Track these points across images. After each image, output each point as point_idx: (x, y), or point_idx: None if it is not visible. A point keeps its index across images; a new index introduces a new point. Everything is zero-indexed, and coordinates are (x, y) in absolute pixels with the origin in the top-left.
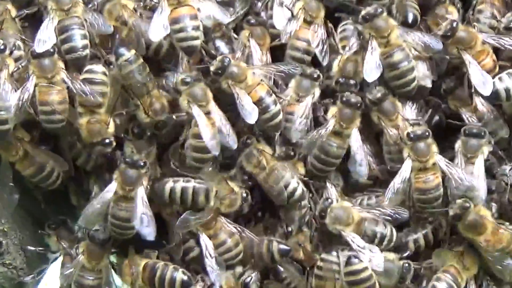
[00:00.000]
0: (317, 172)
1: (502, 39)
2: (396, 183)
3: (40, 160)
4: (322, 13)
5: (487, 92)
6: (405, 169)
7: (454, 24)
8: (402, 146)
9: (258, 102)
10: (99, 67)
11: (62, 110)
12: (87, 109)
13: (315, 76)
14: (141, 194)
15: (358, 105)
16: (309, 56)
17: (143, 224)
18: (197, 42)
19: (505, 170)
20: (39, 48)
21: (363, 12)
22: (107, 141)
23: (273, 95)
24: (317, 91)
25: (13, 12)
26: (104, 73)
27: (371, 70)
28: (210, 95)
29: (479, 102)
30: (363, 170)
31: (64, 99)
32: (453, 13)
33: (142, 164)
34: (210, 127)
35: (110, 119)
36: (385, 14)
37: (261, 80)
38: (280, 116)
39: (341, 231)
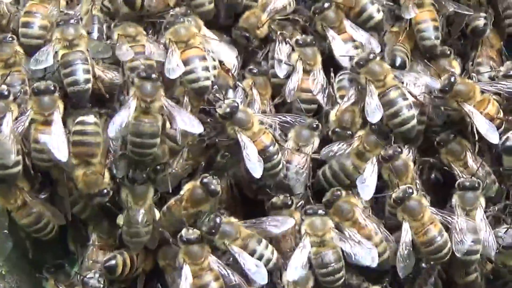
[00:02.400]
0: (327, 185)
1: (500, 84)
2: (402, 251)
3: (37, 211)
4: (319, 59)
5: (496, 140)
6: (405, 234)
7: (452, 79)
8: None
9: (262, 151)
10: (90, 118)
11: (59, 147)
12: (82, 160)
13: (314, 126)
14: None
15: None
16: (315, 105)
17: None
18: (208, 83)
19: (498, 232)
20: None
21: (356, 59)
22: (104, 191)
23: (276, 144)
24: (316, 141)
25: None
26: (96, 124)
27: (373, 111)
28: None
29: (470, 159)
30: (368, 191)
31: None
32: (456, 68)
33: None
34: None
35: (105, 169)
36: (378, 58)
37: (266, 128)
38: (281, 166)
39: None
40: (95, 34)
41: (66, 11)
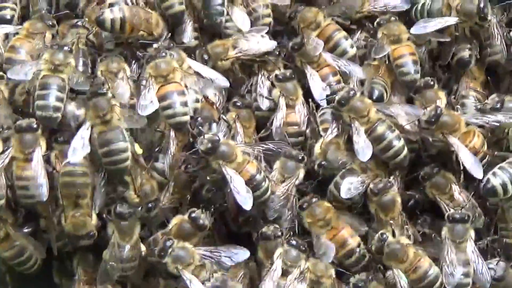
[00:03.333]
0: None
1: (485, 117)
2: None
3: (20, 244)
4: (300, 92)
5: (480, 175)
6: (399, 280)
7: (438, 110)
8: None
9: (249, 181)
10: (80, 163)
11: (38, 186)
12: (70, 201)
13: (300, 158)
14: None
15: None
16: (302, 137)
17: None
18: (186, 118)
19: (490, 264)
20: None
21: (337, 97)
22: (91, 233)
23: (263, 172)
24: (301, 173)
25: (6, 93)
26: (84, 165)
27: (363, 149)
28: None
29: (456, 191)
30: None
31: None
32: (442, 98)
33: None
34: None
35: (93, 211)
36: (358, 94)
37: (250, 157)
38: (269, 193)
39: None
40: (80, 67)
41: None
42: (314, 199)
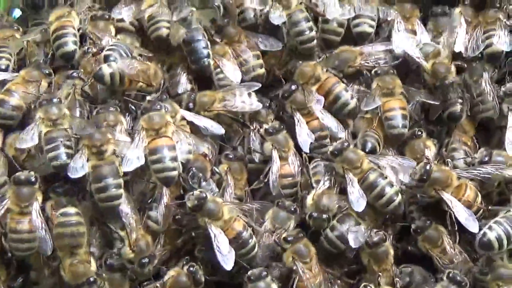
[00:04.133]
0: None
1: (476, 169)
2: None
3: None
4: (291, 143)
5: (475, 229)
6: None
7: (428, 167)
8: None
9: (235, 239)
10: (72, 209)
11: (31, 239)
12: (67, 252)
13: (292, 209)
14: None
15: None
16: (296, 188)
17: None
18: (174, 173)
19: None
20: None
21: (331, 148)
22: (91, 279)
23: (249, 229)
24: (292, 224)
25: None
26: (78, 213)
27: (357, 200)
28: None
29: (447, 244)
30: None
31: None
32: (431, 147)
33: None
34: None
35: (91, 256)
36: (352, 146)
37: (237, 215)
38: (256, 249)
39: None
40: None
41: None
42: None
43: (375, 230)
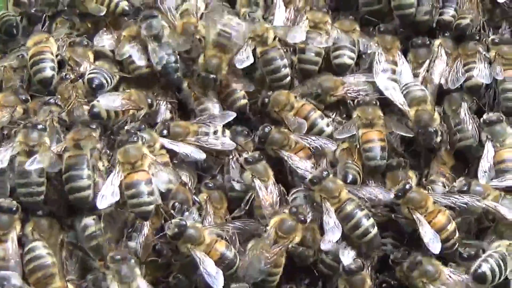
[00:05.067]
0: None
1: (453, 197)
2: None
3: None
4: (271, 173)
5: (436, 250)
6: None
7: (407, 186)
8: None
9: (220, 260)
10: (37, 243)
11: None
12: (41, 285)
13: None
14: None
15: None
16: None
17: None
18: (151, 208)
19: None
20: None
21: (310, 176)
22: None
23: (233, 248)
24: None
25: None
26: (45, 246)
27: (333, 230)
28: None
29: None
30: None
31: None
32: (412, 178)
33: None
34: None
35: (67, 283)
36: (331, 175)
37: (218, 237)
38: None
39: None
40: (54, 146)
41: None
42: None
43: (354, 258)
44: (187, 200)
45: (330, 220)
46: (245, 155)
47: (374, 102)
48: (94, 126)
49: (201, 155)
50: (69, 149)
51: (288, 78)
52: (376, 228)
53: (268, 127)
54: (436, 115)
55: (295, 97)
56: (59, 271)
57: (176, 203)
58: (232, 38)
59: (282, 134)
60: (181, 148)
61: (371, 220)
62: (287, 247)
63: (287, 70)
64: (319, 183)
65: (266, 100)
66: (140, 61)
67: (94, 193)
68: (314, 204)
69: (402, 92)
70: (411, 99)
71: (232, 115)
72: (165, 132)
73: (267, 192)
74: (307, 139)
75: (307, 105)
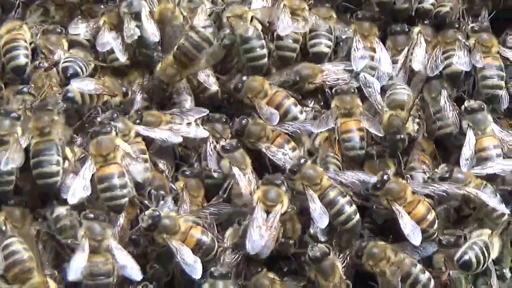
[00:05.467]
0: None
1: (432, 186)
2: None
3: None
4: (248, 160)
5: (417, 242)
6: None
7: (385, 177)
8: None
9: (197, 246)
10: (13, 239)
11: None
12: (21, 280)
13: None
14: None
15: None
16: None
17: None
18: (124, 201)
19: None
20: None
21: (289, 167)
22: None
23: (210, 233)
24: None
25: None
26: (20, 242)
27: (320, 216)
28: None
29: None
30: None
31: None
32: (391, 167)
33: None
34: None
35: (47, 277)
36: (310, 162)
37: (193, 224)
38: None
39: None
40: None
41: None
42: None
43: (317, 245)
44: (164, 186)
45: (316, 206)
46: (222, 142)
47: (353, 91)
48: (50, 107)
49: (178, 138)
50: (35, 137)
51: (265, 60)
52: (358, 215)
53: (245, 119)
54: (409, 123)
55: (270, 84)
56: (37, 265)
57: (152, 190)
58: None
59: (258, 126)
60: (157, 133)
61: (354, 207)
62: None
63: (264, 51)
64: (299, 171)
65: (240, 85)
66: (121, 55)
67: (62, 179)
68: (294, 193)
69: (388, 91)
70: (390, 101)
71: (205, 112)
72: (137, 121)
73: (247, 180)
74: (284, 125)
75: (281, 92)
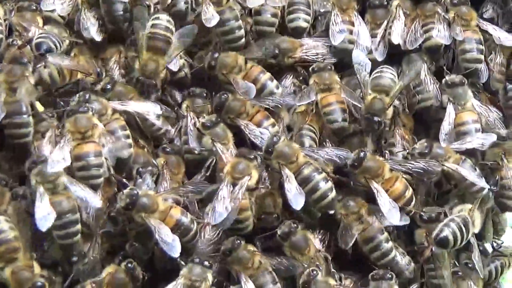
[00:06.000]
0: None
1: (409, 163)
2: None
3: None
4: (230, 134)
5: (395, 221)
6: None
7: (362, 154)
8: None
9: (176, 226)
10: (2, 221)
11: None
12: (6, 260)
13: None
14: None
15: None
16: None
17: None
18: (100, 181)
19: None
20: None
21: (264, 146)
22: (38, 284)
23: (189, 214)
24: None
25: None
26: (7, 220)
27: (296, 197)
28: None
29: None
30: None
31: None
32: (368, 145)
33: None
34: None
35: (33, 261)
36: (284, 139)
37: (173, 203)
38: (198, 235)
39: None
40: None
41: None
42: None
43: (284, 222)
44: (149, 162)
45: (292, 186)
46: (202, 119)
47: (329, 67)
48: (25, 61)
49: (156, 108)
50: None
51: (243, 40)
52: (334, 192)
53: (225, 94)
54: (390, 111)
55: (244, 59)
56: (24, 247)
57: (140, 168)
58: (164, 39)
59: (238, 102)
60: (133, 106)
61: (330, 184)
62: (247, 188)
63: (242, 32)
64: (273, 150)
65: (213, 63)
66: (96, 35)
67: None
68: (270, 169)
69: (374, 73)
70: (375, 84)
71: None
72: (109, 86)
73: (230, 155)
74: (265, 100)
75: (256, 67)
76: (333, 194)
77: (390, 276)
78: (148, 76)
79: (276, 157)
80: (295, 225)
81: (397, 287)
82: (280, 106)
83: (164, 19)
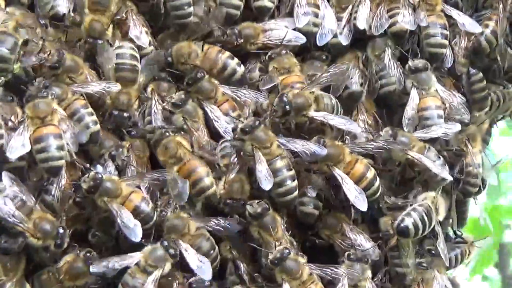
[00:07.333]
0: None
1: (369, 144)
2: None
3: None
4: (200, 112)
5: (363, 208)
6: None
7: (321, 141)
8: None
9: (135, 211)
10: None
11: None
12: None
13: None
14: None
15: None
16: None
17: None
18: (60, 163)
19: None
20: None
21: (241, 125)
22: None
23: (150, 203)
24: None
25: None
26: None
27: (266, 178)
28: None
29: (347, 229)
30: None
31: None
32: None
33: None
34: None
35: None
36: (263, 126)
37: (136, 188)
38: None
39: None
40: None
41: None
42: None
43: (256, 201)
44: (118, 144)
45: (263, 168)
46: (170, 99)
47: (286, 52)
48: None
49: (116, 86)
50: None
51: (191, 18)
52: (297, 191)
53: (202, 73)
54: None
55: (196, 43)
56: None
57: (113, 151)
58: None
59: (211, 85)
60: (93, 87)
61: (295, 182)
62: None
63: (191, 9)
64: (250, 132)
65: (170, 59)
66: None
67: None
68: (242, 153)
69: None
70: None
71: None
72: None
73: (202, 133)
74: (236, 92)
75: (213, 47)
76: (295, 193)
77: (366, 260)
78: (121, 109)
79: (251, 139)
80: (267, 205)
81: (369, 272)
82: (250, 101)
83: (127, 46)
